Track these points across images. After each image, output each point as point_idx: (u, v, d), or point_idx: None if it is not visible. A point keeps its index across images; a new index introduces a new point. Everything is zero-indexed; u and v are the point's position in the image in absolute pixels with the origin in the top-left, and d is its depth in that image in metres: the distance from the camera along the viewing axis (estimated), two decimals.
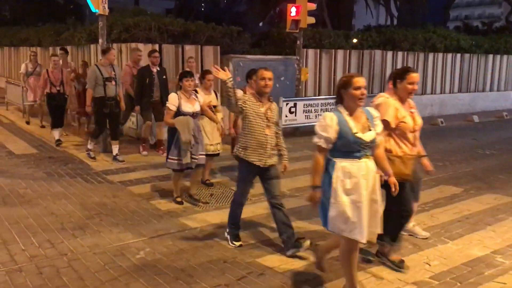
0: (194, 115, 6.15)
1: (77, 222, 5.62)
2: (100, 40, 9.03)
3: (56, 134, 9.60)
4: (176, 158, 6.06)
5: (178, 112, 6.03)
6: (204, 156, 6.36)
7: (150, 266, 4.52)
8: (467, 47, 17.34)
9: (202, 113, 6.39)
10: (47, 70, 9.76)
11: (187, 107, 6.10)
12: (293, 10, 11.10)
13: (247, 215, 5.96)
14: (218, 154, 7.20)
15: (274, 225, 5.60)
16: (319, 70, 13.92)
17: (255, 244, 5.11)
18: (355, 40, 14.80)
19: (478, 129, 14.00)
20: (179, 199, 6.42)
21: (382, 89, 15.29)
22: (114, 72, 8.29)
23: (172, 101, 6.07)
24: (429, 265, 4.68)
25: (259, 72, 4.86)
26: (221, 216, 5.93)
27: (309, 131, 11.75)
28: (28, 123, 12.10)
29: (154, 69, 8.86)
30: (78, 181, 7.37)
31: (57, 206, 6.18)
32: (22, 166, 8.17)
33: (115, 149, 8.52)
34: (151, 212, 6.04)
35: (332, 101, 11.68)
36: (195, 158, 6.11)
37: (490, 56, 18.43)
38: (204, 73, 7.09)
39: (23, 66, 12.08)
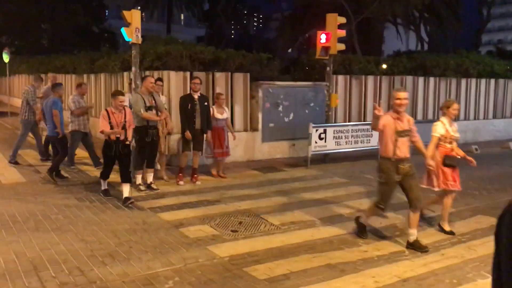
0: None
1: (106, 249, 5.62)
2: (133, 68, 9.20)
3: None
4: None
5: None
6: None
7: None
8: (501, 72, 16.96)
9: None
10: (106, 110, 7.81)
11: None
12: (323, 37, 11.10)
13: (276, 244, 5.87)
14: None
15: (304, 255, 5.49)
16: (349, 96, 13.83)
17: (285, 275, 4.98)
18: (384, 66, 14.68)
19: None
20: None
21: (413, 116, 15.02)
22: (154, 100, 8.23)
23: None
24: None
25: None
26: (250, 245, 5.84)
27: (339, 158, 11.71)
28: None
29: (195, 96, 8.89)
30: (109, 207, 7.41)
31: (88, 232, 6.21)
32: (55, 191, 8.30)
33: (150, 177, 8.45)
34: (180, 240, 5.99)
35: (363, 127, 11.70)
36: None
37: None
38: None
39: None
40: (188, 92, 9.68)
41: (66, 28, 32.18)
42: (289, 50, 32.67)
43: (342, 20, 11.32)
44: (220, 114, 9.41)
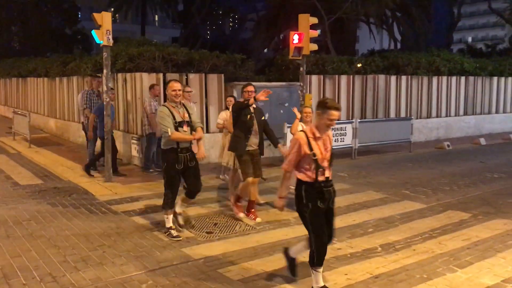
0: None
1: (79, 254, 5.56)
2: (104, 71, 9.11)
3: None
4: None
5: None
6: None
7: None
8: (471, 70, 17.36)
9: None
10: None
11: None
12: (295, 38, 11.14)
13: (250, 245, 5.90)
14: None
15: (278, 254, 5.53)
16: (323, 95, 13.94)
17: (259, 275, 5.00)
18: (359, 65, 14.86)
19: (485, 152, 13.87)
20: None
21: (386, 114, 15.27)
22: (188, 113, 6.12)
23: None
24: None
25: None
26: (224, 246, 5.86)
27: None
28: None
29: (251, 108, 6.93)
30: (82, 212, 7.33)
31: (60, 238, 6.12)
32: (27, 197, 8.16)
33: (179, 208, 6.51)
34: (154, 243, 5.96)
35: (337, 126, 11.77)
36: None
37: (495, 79, 18.42)
38: None
39: (222, 114, 8.68)
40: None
41: (37, 30, 31.63)
42: (265, 50, 32.76)
43: (314, 20, 11.38)
44: None
